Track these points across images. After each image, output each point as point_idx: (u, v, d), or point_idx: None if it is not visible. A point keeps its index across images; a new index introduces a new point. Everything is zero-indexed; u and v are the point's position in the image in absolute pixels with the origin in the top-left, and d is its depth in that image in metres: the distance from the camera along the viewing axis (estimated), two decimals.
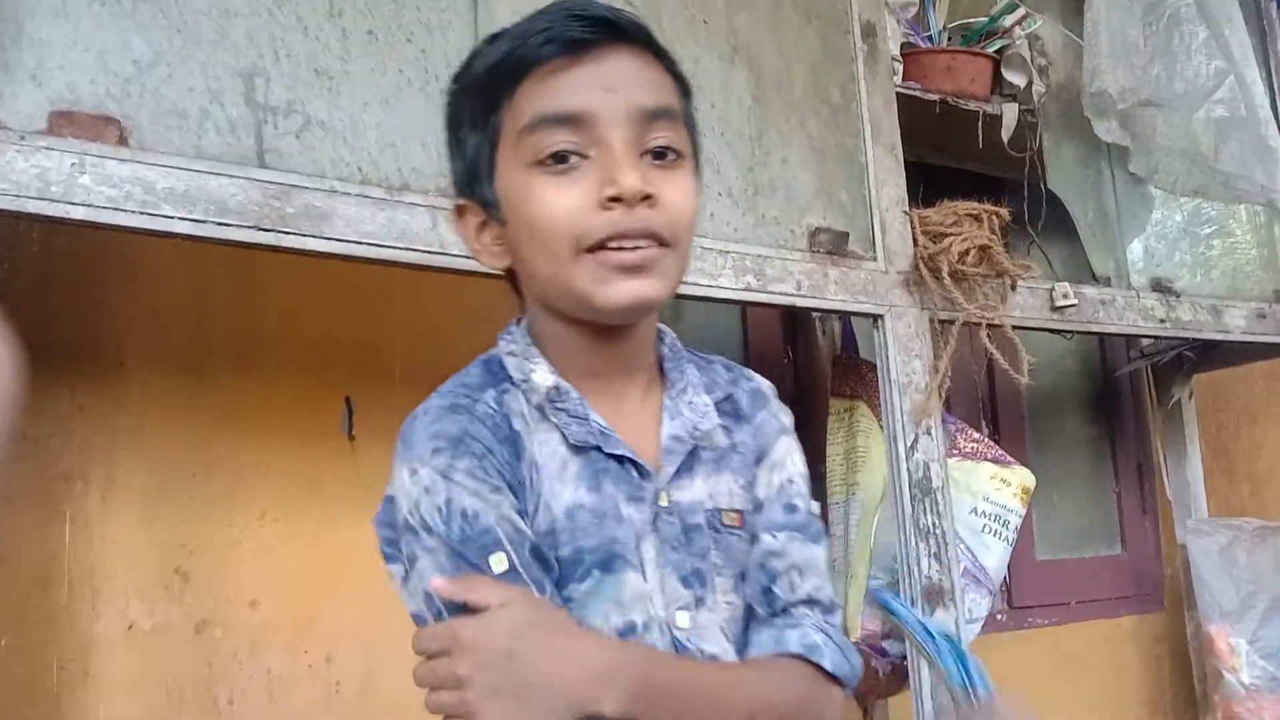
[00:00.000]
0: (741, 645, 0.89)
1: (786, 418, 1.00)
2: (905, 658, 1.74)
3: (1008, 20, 2.13)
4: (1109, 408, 3.04)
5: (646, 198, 0.81)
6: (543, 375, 0.88)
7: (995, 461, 2.04)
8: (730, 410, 0.95)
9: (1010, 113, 2.13)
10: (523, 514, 0.83)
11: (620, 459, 0.86)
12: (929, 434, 1.76)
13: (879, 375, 1.80)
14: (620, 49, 0.84)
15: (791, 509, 0.93)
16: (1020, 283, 1.93)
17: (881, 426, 1.82)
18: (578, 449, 0.86)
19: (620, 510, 0.85)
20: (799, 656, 0.87)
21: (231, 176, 1.22)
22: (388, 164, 1.35)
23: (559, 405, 0.87)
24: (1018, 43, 2.15)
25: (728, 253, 1.60)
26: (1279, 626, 2.61)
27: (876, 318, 1.77)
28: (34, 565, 1.53)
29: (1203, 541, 2.70)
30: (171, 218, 1.18)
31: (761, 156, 1.70)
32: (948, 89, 2.07)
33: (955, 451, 2.03)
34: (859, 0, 1.87)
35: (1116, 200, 2.31)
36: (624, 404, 0.90)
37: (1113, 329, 2.15)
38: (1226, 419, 3.25)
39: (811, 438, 2.34)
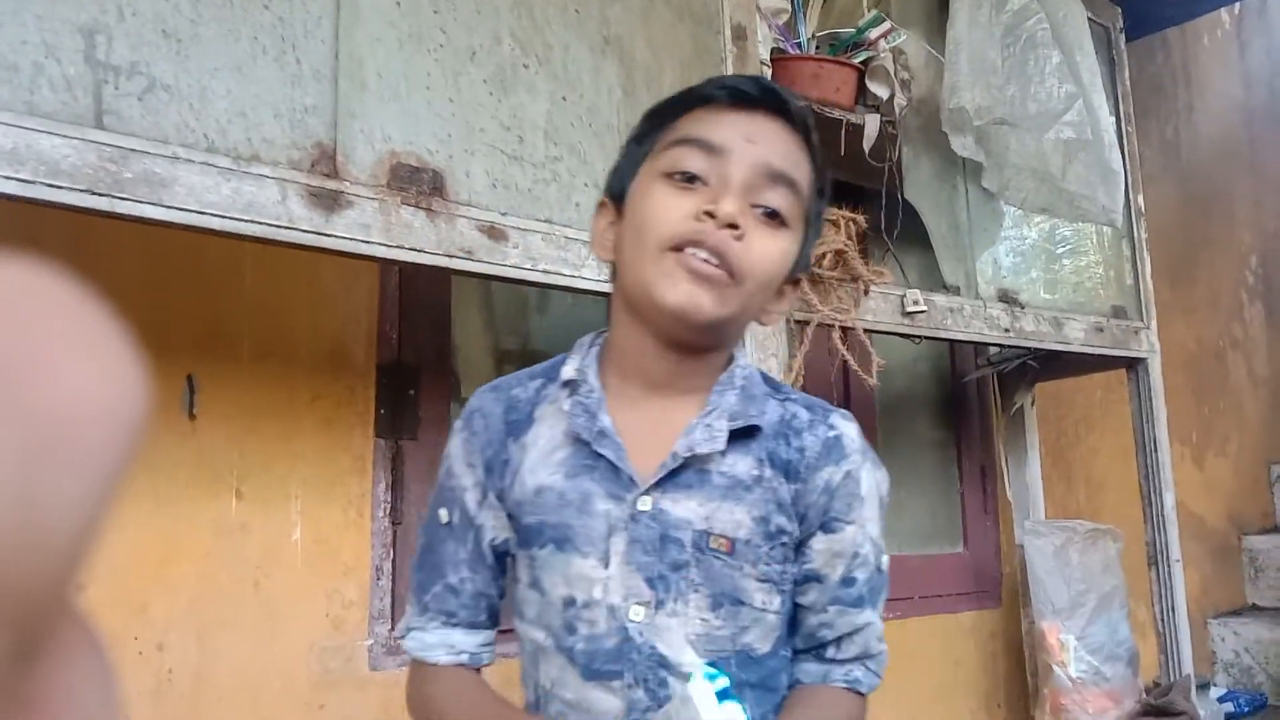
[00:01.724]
0: (733, 661, 0.96)
1: (865, 473, 1.02)
2: None
3: (874, 33, 2.19)
4: (956, 412, 3.17)
5: (734, 226, 0.91)
6: (569, 369, 1.00)
7: None
8: (774, 454, 0.99)
9: (873, 123, 2.19)
10: (488, 487, 1.01)
11: (606, 460, 0.96)
12: None
13: None
14: (776, 118, 0.96)
15: (850, 582, 1.01)
16: (873, 288, 2.00)
17: None
18: (576, 439, 0.97)
19: (593, 503, 0.95)
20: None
21: (65, 136, 1.16)
22: (236, 133, 1.30)
23: (576, 397, 0.98)
24: (882, 55, 2.21)
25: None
26: (1105, 623, 2.76)
27: None
28: None
29: (1039, 542, 2.83)
30: None
31: None
32: (814, 96, 2.12)
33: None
34: (731, 3, 1.90)
35: (969, 213, 2.40)
36: (652, 415, 0.98)
37: (960, 336, 2.23)
38: (1066, 426, 3.42)
39: None
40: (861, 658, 1.02)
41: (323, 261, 1.65)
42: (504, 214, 1.52)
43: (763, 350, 1.80)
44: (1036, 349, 2.58)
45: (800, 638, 1.03)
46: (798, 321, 1.86)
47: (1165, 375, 2.82)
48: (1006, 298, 2.36)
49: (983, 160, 2.31)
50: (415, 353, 1.98)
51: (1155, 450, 2.75)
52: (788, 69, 2.14)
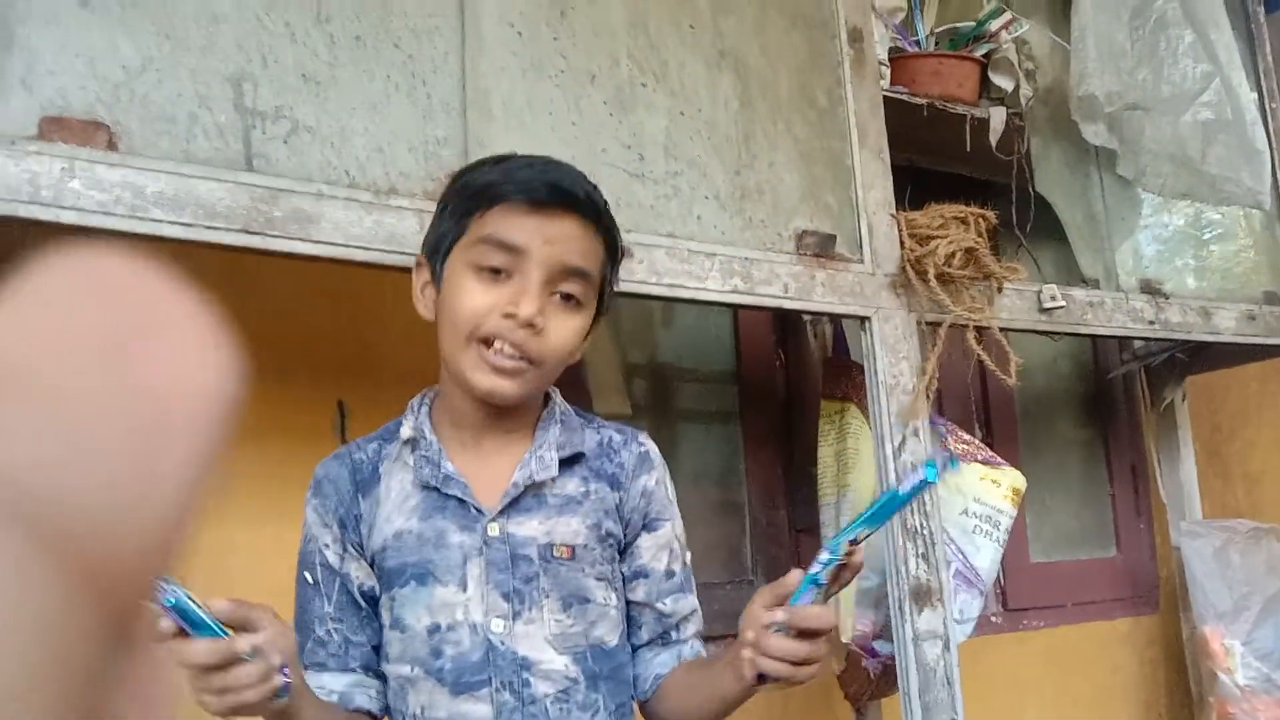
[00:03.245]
0: (588, 654, 1.12)
1: (670, 480, 1.24)
2: (895, 657, 1.75)
3: (994, 25, 2.15)
4: (1102, 410, 3.05)
5: (531, 325, 1.05)
6: (405, 429, 1.15)
7: (985, 463, 2.05)
8: (599, 470, 1.18)
9: (998, 116, 2.15)
10: (346, 541, 1.14)
11: (455, 498, 1.11)
12: (916, 435, 1.77)
13: (866, 377, 1.81)
14: (570, 215, 1.08)
15: (670, 574, 1.20)
16: (1008, 285, 1.95)
17: (871, 428, 1.83)
18: (425, 486, 1.12)
19: (447, 537, 1.10)
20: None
21: (220, 180, 1.24)
22: (375, 168, 1.36)
23: (418, 452, 1.13)
24: (1005, 47, 2.17)
25: (714, 255, 1.61)
26: (1273, 627, 2.62)
27: (864, 320, 1.79)
28: None
29: (1196, 543, 2.71)
30: (160, 221, 1.20)
31: (748, 160, 1.72)
32: (935, 93, 2.09)
33: (945, 453, 2.04)
34: (845, 5, 1.89)
35: (1105, 203, 2.32)
36: (487, 455, 1.14)
37: (1101, 331, 2.16)
38: (1220, 420, 3.26)
39: (802, 439, 2.35)
40: (696, 634, 1.21)
41: None
42: (628, 231, 1.54)
43: (894, 354, 1.78)
44: (1184, 341, 2.47)
45: (646, 631, 1.19)
46: (929, 323, 1.83)
47: None
48: (1150, 288, 2.27)
49: (1116, 147, 2.23)
50: None
51: None
52: (906, 67, 2.12)
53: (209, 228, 1.22)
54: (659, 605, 1.18)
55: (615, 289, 1.22)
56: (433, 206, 1.38)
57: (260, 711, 0.93)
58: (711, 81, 1.70)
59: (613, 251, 1.17)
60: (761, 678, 1.00)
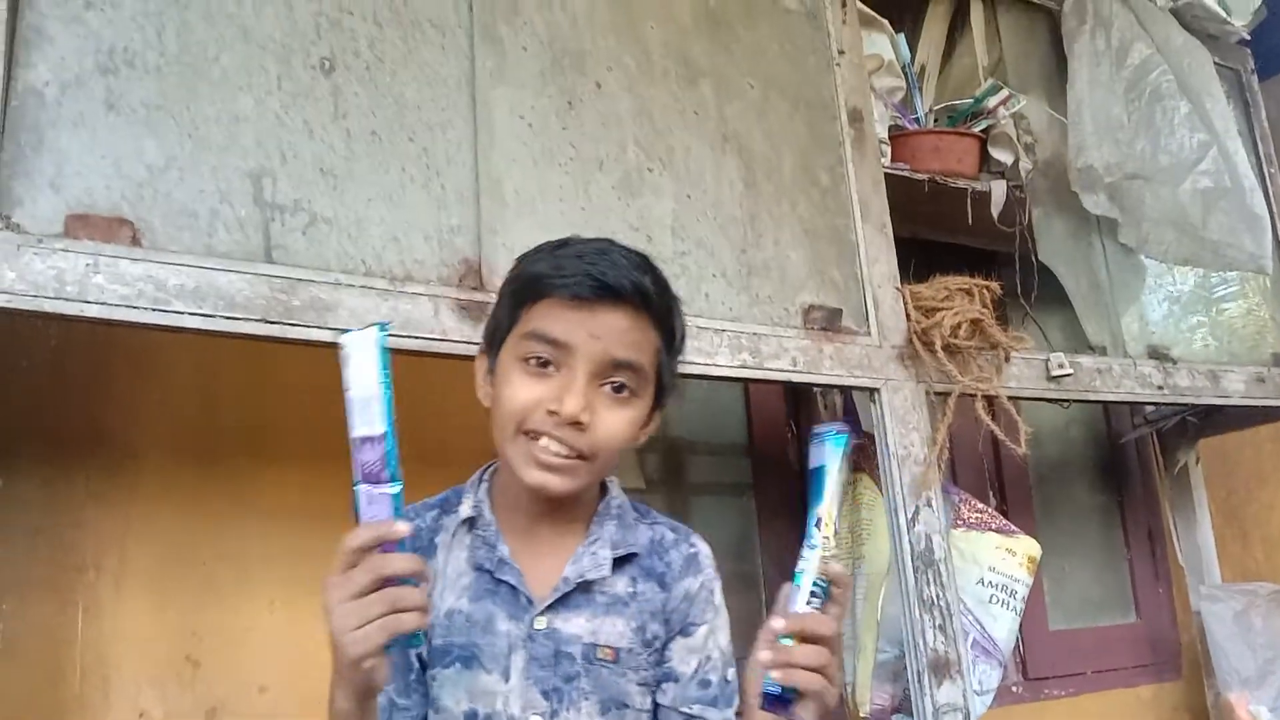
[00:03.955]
0: None
1: (718, 587, 1.19)
2: None
3: (992, 101, 2.20)
4: (1116, 475, 3.05)
5: (577, 424, 1.03)
6: (466, 508, 1.14)
7: (1000, 531, 2.05)
8: (649, 569, 1.15)
9: (999, 189, 2.19)
10: None
11: (507, 584, 1.09)
12: (929, 505, 1.78)
13: (877, 448, 1.82)
14: (619, 308, 1.06)
15: (705, 684, 1.14)
16: (1015, 354, 1.97)
17: (884, 498, 1.84)
18: (478, 568, 1.10)
19: (496, 624, 1.08)
20: None
21: (240, 272, 1.27)
22: (391, 257, 1.40)
23: (475, 531, 1.12)
24: (1003, 122, 2.22)
25: (723, 331, 1.64)
26: None
27: (873, 391, 1.80)
28: (46, 655, 1.56)
29: (1217, 608, 2.68)
30: (182, 313, 1.23)
31: (754, 238, 1.75)
32: (936, 168, 2.13)
33: (959, 522, 2.04)
34: (845, 87, 1.94)
35: (1108, 270, 2.35)
36: (541, 544, 1.13)
37: (1110, 397, 2.17)
38: (1236, 483, 3.24)
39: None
40: None
41: (467, 369, 1.74)
42: None
43: (904, 425, 1.79)
44: (1194, 405, 2.47)
45: None
46: (938, 393, 1.84)
47: None
48: (1157, 354, 2.29)
49: (1118, 216, 2.27)
50: None
51: None
52: (907, 144, 2.16)
53: (229, 318, 1.26)
54: (683, 710, 1.12)
55: (676, 373, 1.18)
56: (447, 292, 1.42)
57: (376, 676, 0.90)
58: (716, 165, 1.75)
59: (670, 336, 1.13)
60: (778, 704, 0.98)
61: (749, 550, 2.35)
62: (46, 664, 1.55)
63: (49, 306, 1.17)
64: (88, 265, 1.19)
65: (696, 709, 1.13)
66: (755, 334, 1.68)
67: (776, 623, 0.97)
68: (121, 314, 1.20)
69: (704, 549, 1.20)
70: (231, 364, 1.77)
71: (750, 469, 2.40)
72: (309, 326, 1.30)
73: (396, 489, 0.87)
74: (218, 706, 1.65)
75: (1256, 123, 2.71)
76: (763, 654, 0.97)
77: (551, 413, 1.03)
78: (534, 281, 1.08)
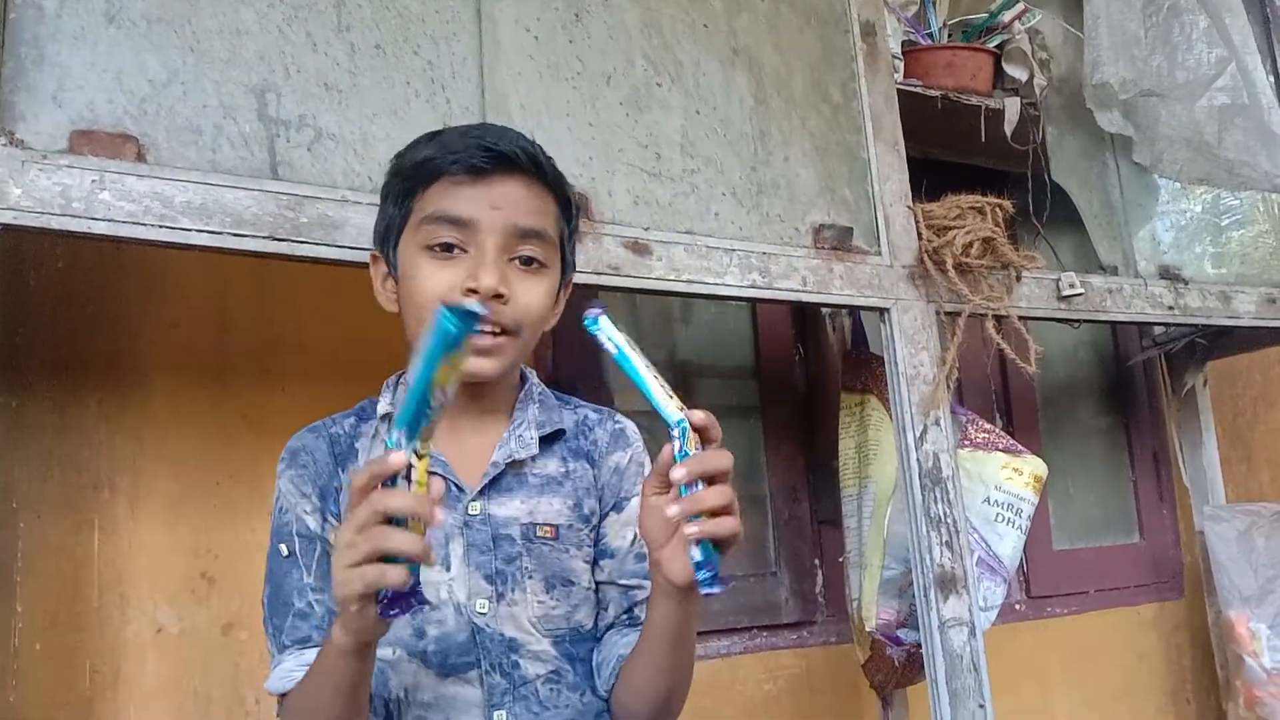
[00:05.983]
0: (568, 638, 1.11)
1: (648, 460, 1.19)
2: (920, 645, 1.76)
3: (1007, 15, 2.15)
4: (1123, 397, 3.05)
5: (498, 295, 1.03)
6: (383, 405, 1.14)
7: (1006, 451, 2.06)
8: (577, 448, 1.17)
9: (1012, 106, 2.15)
10: (325, 512, 1.09)
11: (435, 474, 1.03)
12: (938, 425, 1.78)
13: (886, 368, 1.82)
14: (513, 177, 1.06)
15: (641, 557, 1.14)
16: (1026, 274, 1.95)
17: (892, 419, 1.84)
18: None
19: None
20: None
21: (246, 189, 1.26)
22: None
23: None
24: (1018, 37, 2.17)
25: (733, 250, 1.63)
26: None
27: (883, 311, 1.80)
28: (65, 572, 1.58)
29: (1220, 527, 2.71)
30: (189, 230, 1.22)
31: (764, 156, 1.73)
32: (949, 85, 2.10)
33: (966, 442, 2.05)
34: (858, 0, 1.90)
35: (1121, 190, 2.32)
36: (466, 434, 1.12)
37: (1120, 317, 2.16)
38: (1243, 405, 3.25)
39: (823, 432, 2.37)
40: None
41: None
42: (646, 229, 1.56)
43: (913, 345, 1.79)
44: (1204, 326, 2.46)
45: (611, 611, 1.14)
46: (948, 313, 1.83)
47: None
48: (1168, 274, 2.27)
49: (1132, 134, 2.23)
50: (569, 368, 2.06)
51: None
52: (920, 60, 2.13)
53: (236, 235, 1.25)
54: (622, 582, 1.14)
55: (577, 243, 1.18)
56: None
57: (372, 626, 0.86)
58: (726, 79, 1.72)
59: (566, 206, 1.13)
60: (715, 579, 0.89)
61: (756, 472, 2.37)
62: (65, 581, 1.58)
63: (56, 224, 1.16)
64: (94, 182, 1.17)
65: (634, 581, 1.14)
66: (765, 253, 1.67)
67: (676, 472, 0.88)
68: (129, 231, 1.19)
69: (630, 425, 1.21)
70: (241, 284, 1.77)
71: (758, 391, 2.41)
72: (317, 244, 1.30)
73: (394, 436, 0.83)
74: (233, 622, 1.68)
75: (1276, 39, 2.65)
76: (672, 508, 0.88)
77: (470, 291, 1.01)
78: (422, 165, 1.07)
